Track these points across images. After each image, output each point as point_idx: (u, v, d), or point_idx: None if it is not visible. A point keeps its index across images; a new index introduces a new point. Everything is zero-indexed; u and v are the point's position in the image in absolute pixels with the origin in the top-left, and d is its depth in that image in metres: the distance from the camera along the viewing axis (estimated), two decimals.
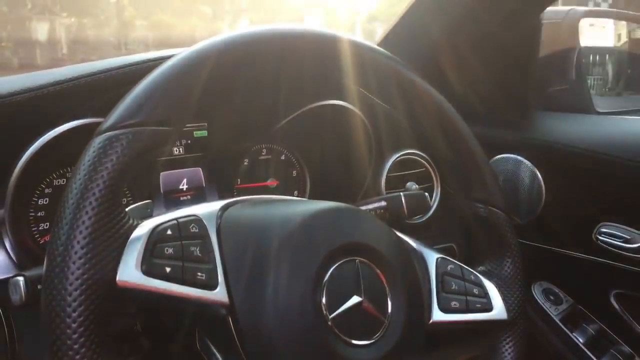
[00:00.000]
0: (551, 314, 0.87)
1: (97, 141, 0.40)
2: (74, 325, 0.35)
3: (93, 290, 0.36)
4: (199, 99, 0.44)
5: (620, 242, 0.78)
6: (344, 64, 0.54)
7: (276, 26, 0.49)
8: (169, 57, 0.46)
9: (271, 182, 0.87)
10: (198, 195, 0.77)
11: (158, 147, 0.42)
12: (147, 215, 0.47)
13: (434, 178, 0.93)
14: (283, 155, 0.88)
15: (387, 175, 0.88)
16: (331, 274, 0.43)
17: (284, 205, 0.50)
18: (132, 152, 0.40)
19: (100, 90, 0.64)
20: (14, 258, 0.60)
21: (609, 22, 1.17)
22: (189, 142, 0.77)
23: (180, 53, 0.45)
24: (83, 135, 0.61)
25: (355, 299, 0.44)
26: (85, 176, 0.38)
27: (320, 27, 0.53)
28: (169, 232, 0.41)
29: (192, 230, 0.43)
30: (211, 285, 0.41)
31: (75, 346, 0.35)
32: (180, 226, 0.42)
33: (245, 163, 0.84)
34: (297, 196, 0.88)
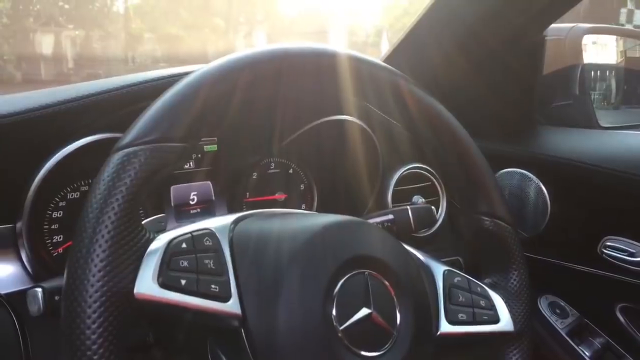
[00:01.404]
0: (557, 328, 0.87)
1: (116, 157, 0.41)
2: (93, 337, 0.36)
3: (112, 302, 0.37)
4: (212, 116, 0.46)
5: (625, 255, 0.78)
6: (349, 79, 0.55)
7: (290, 44, 0.51)
8: (182, 74, 0.47)
9: (279, 196, 0.88)
10: (207, 208, 0.78)
11: (174, 162, 0.43)
12: (161, 228, 0.48)
13: (440, 192, 0.94)
14: (291, 169, 0.89)
15: (393, 189, 0.89)
16: (341, 286, 0.44)
17: (294, 218, 0.51)
18: (150, 168, 0.41)
19: (115, 107, 0.65)
20: (29, 270, 0.62)
21: (611, 40, 1.19)
22: (199, 156, 0.78)
23: (194, 72, 0.47)
24: (97, 150, 0.63)
25: (364, 311, 0.45)
26: (105, 191, 0.40)
27: (328, 45, 0.54)
28: (183, 245, 0.42)
29: (205, 244, 0.44)
30: (224, 297, 0.42)
31: (95, 357, 0.36)
32: (194, 239, 0.43)
33: (254, 177, 0.85)
34: (305, 209, 0.89)
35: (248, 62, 0.48)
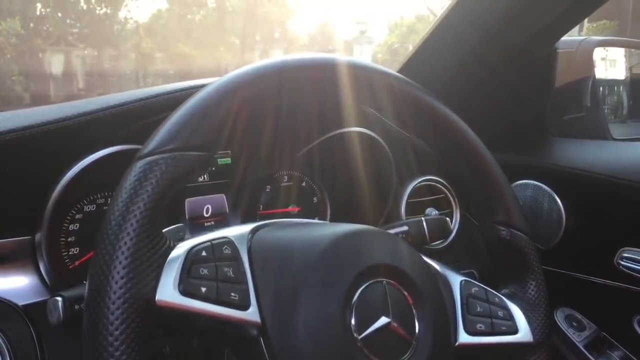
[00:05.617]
0: (575, 341, 0.86)
1: (138, 165, 0.42)
2: (116, 343, 0.36)
3: (134, 309, 0.38)
4: (232, 126, 0.46)
5: None
6: (362, 90, 0.55)
7: (307, 55, 0.52)
8: (201, 86, 0.48)
9: (292, 209, 0.88)
10: (221, 221, 0.79)
11: (195, 171, 0.44)
12: (180, 237, 0.49)
13: (453, 204, 0.94)
14: (304, 182, 0.89)
15: (406, 202, 0.89)
16: (360, 294, 0.44)
17: (312, 227, 0.51)
18: (171, 176, 0.42)
19: (133, 119, 0.66)
20: (47, 281, 0.62)
21: (620, 56, 1.21)
22: (213, 169, 0.78)
23: (216, 81, 0.47)
24: (115, 162, 0.64)
25: (383, 320, 0.44)
26: (127, 199, 0.40)
27: (341, 56, 0.54)
28: (203, 253, 0.43)
29: (225, 252, 0.44)
30: (244, 305, 0.42)
31: None
32: (214, 247, 0.43)
33: (268, 190, 0.86)
34: None
35: (271, 70, 0.49)
